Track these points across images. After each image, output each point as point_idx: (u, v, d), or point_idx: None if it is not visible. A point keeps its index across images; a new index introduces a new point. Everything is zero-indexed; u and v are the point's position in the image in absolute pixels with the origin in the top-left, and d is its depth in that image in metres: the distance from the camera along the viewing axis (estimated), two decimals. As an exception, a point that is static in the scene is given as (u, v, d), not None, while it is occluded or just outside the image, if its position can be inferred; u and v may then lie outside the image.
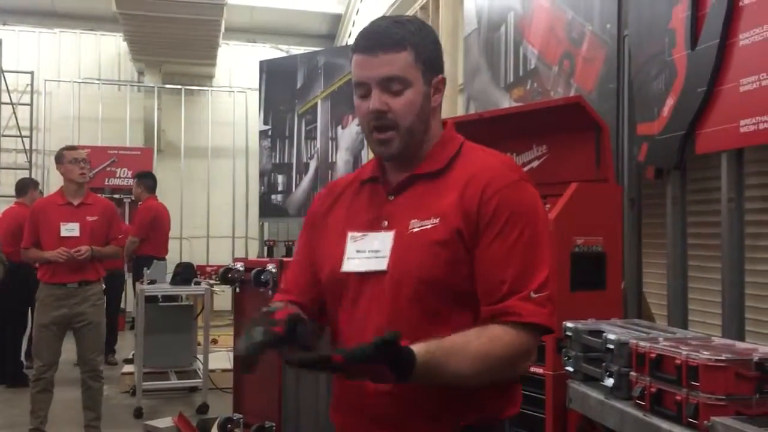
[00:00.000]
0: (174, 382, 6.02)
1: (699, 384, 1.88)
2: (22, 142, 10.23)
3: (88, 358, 4.57)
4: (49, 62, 10.81)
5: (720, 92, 3.03)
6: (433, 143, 1.49)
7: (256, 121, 10.31)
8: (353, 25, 10.40)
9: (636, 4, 3.74)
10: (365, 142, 8.59)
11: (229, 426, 4.24)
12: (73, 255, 4.36)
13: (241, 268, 4.48)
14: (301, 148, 9.29)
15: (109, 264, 5.47)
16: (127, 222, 8.27)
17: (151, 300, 6.05)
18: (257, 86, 10.09)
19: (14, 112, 10.11)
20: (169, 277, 5.88)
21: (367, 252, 1.44)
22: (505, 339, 1.33)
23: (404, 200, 1.46)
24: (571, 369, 2.55)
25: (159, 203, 7.10)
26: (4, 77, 9.96)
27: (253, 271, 4.16)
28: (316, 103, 9.11)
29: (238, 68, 11.42)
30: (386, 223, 1.45)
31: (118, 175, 9.92)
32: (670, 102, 3.36)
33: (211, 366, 5.76)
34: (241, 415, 4.32)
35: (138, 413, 5.31)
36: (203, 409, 5.41)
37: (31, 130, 10.40)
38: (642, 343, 2.14)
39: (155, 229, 6.83)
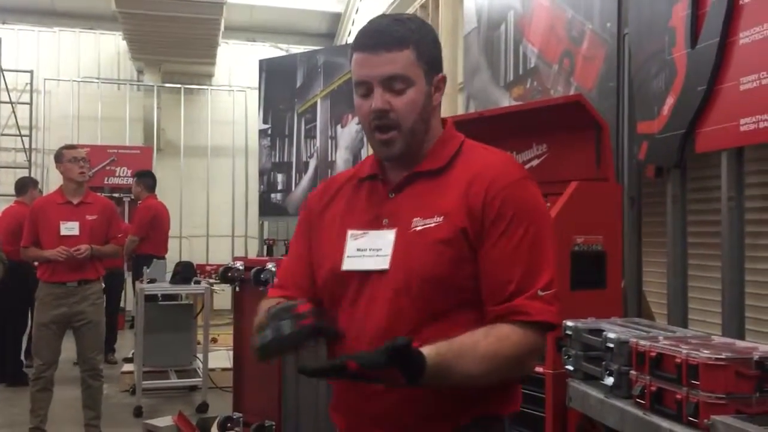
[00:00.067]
0: (174, 381, 6.02)
1: (699, 383, 1.88)
2: (22, 141, 10.23)
3: (87, 357, 4.57)
4: (49, 61, 10.80)
5: (720, 91, 3.03)
6: (433, 141, 1.49)
7: (255, 120, 10.31)
8: (353, 24, 10.39)
9: (636, 3, 3.73)
10: (365, 141, 8.63)
11: (229, 425, 4.24)
12: (73, 254, 4.36)
13: (240, 267, 4.49)
14: (300, 147, 9.29)
15: (108, 263, 5.47)
16: (126, 221, 8.26)
17: (150, 299, 6.05)
18: (257, 85, 10.08)
19: (13, 111, 10.11)
20: (168, 276, 5.88)
21: (367, 250, 1.43)
22: (513, 338, 1.33)
23: (405, 198, 1.45)
24: (571, 368, 2.55)
25: (158, 202, 7.09)
26: (4, 76, 9.96)
27: (253, 270, 4.16)
28: (315, 102, 9.11)
29: (237, 67, 11.42)
30: (387, 221, 1.44)
31: (117, 174, 9.93)
32: (670, 101, 3.36)
33: (210, 365, 5.77)
34: (240, 414, 4.33)
35: (138, 412, 5.31)
36: (203, 408, 5.41)
37: (30, 129, 10.40)
38: (642, 342, 2.14)
39: (155, 228, 6.83)
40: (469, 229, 1.38)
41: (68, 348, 4.95)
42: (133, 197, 8.05)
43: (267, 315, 1.29)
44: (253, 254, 10.14)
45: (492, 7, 5.77)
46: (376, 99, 1.41)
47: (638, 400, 2.12)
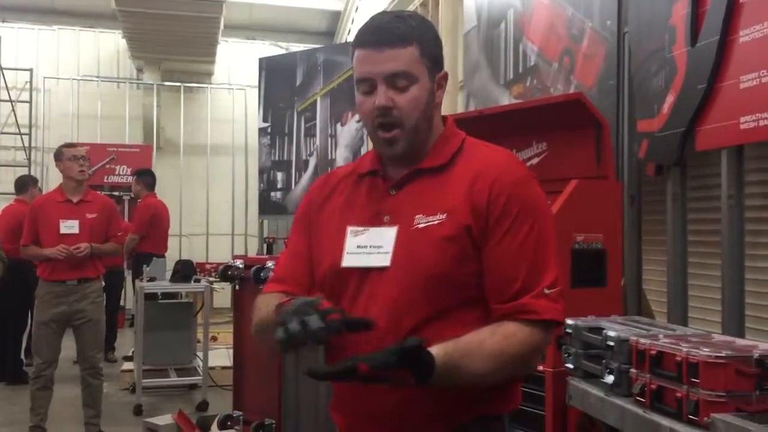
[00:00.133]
0: (174, 379, 6.02)
1: (699, 381, 1.88)
2: (21, 139, 10.23)
3: (87, 356, 4.57)
4: (48, 59, 10.80)
5: (720, 89, 3.02)
6: (435, 139, 1.48)
7: (255, 119, 10.31)
8: (352, 23, 10.39)
9: (636, 1, 3.73)
10: (364, 139, 8.61)
11: (229, 423, 4.24)
12: (73, 252, 4.36)
13: (240, 266, 4.49)
14: (300, 145, 9.29)
15: (108, 261, 5.47)
16: (126, 219, 8.26)
17: (150, 297, 6.05)
18: (256, 83, 10.09)
19: (13, 110, 10.11)
20: (168, 275, 5.88)
21: (368, 247, 1.41)
22: (520, 336, 1.33)
23: (407, 195, 1.44)
24: (571, 366, 2.55)
25: (158, 200, 7.10)
26: (3, 74, 9.96)
27: (253, 269, 4.16)
28: (315, 101, 9.11)
29: (237, 65, 11.41)
30: (388, 218, 1.43)
31: (117, 173, 9.92)
32: (670, 99, 3.36)
33: (210, 363, 5.77)
34: (240, 412, 4.33)
35: (138, 410, 5.31)
36: (203, 406, 5.41)
37: (30, 127, 10.40)
38: (642, 340, 2.14)
39: (155, 226, 6.84)
40: (473, 227, 1.37)
41: (68, 346, 4.95)
42: (132, 196, 8.06)
43: (288, 310, 1.24)
44: (252, 252, 10.13)
45: (492, 5, 5.77)
46: (379, 96, 1.39)
47: (638, 398, 2.13)
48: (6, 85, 10.06)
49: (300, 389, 3.93)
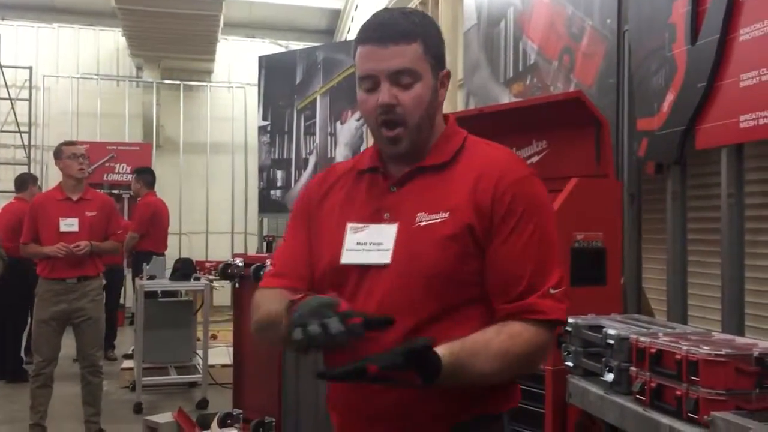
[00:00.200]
0: (173, 377, 6.03)
1: (699, 379, 1.88)
2: (21, 137, 10.22)
3: (87, 354, 4.57)
4: (48, 57, 10.78)
5: (720, 87, 3.02)
6: (436, 137, 1.47)
7: (255, 117, 10.30)
8: (352, 21, 10.38)
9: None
10: (364, 138, 8.61)
11: (229, 421, 4.24)
12: (72, 250, 4.36)
13: (240, 264, 4.49)
14: (300, 143, 9.28)
15: (108, 259, 5.47)
16: (126, 218, 8.26)
17: (150, 295, 6.06)
18: (256, 82, 10.07)
19: (12, 108, 10.10)
20: (168, 273, 5.88)
21: (368, 244, 1.40)
22: (525, 335, 1.32)
23: (408, 193, 1.43)
24: (570, 364, 2.55)
25: (158, 199, 7.09)
26: (3, 72, 9.95)
27: (253, 267, 4.16)
28: (315, 99, 9.10)
29: (237, 63, 11.40)
30: (388, 215, 1.42)
31: (116, 171, 9.91)
32: (670, 97, 3.36)
33: (210, 361, 5.77)
34: (240, 411, 4.33)
35: (137, 408, 5.32)
36: (203, 404, 5.42)
37: (29, 125, 10.39)
38: (642, 339, 2.14)
39: (154, 224, 6.84)
40: (476, 226, 1.36)
41: (68, 344, 4.94)
42: (132, 194, 8.05)
43: (304, 310, 1.20)
44: (252, 251, 10.13)
45: (492, 3, 5.76)
46: (383, 93, 1.37)
47: (638, 396, 2.13)
48: (5, 83, 10.04)
49: (300, 387, 3.93)
